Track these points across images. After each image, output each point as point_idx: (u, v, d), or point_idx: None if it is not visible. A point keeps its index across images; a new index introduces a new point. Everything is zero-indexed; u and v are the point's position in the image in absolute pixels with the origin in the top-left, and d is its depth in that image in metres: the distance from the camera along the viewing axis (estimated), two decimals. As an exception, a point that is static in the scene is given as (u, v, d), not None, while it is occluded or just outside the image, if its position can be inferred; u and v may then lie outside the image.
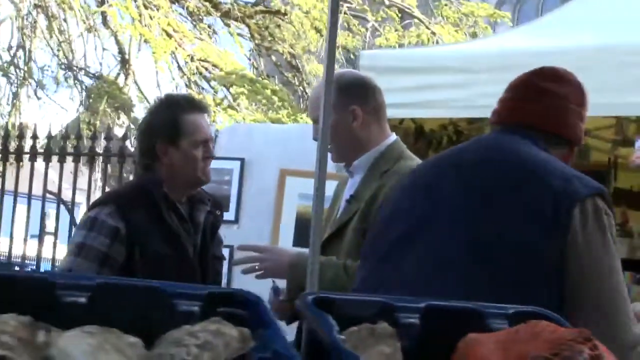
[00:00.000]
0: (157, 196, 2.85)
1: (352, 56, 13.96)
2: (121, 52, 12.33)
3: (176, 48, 10.40)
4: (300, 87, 13.90)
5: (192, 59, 10.75)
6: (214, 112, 10.36)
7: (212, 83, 11.35)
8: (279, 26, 13.69)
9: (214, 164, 7.96)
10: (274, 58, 14.45)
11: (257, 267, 2.81)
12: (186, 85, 11.11)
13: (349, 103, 2.86)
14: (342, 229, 2.86)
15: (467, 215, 1.98)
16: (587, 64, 4.26)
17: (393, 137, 3.01)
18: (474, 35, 13.90)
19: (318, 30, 13.38)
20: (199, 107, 2.93)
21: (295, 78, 13.92)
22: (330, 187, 6.99)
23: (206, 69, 11.05)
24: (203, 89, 11.83)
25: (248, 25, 13.25)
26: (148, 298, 1.00)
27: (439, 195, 2.05)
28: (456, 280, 1.91)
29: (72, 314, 0.89)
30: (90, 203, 2.95)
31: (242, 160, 7.25)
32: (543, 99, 2.08)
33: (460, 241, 1.95)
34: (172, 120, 2.86)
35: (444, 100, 4.58)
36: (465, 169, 2.06)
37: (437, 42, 12.85)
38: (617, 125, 4.82)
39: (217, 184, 7.49)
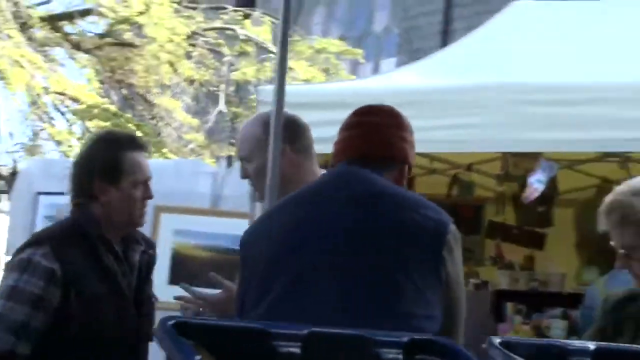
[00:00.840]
0: (94, 236, 2.74)
1: (208, 90, 13.92)
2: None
3: (30, 79, 9.99)
4: (154, 121, 13.69)
5: (47, 92, 10.35)
6: (71, 147, 10.03)
7: (68, 116, 10.98)
8: (127, 58, 13.45)
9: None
10: (124, 92, 14.17)
11: (202, 305, 2.77)
12: (40, 119, 10.68)
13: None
14: None
15: (345, 265, 2.06)
16: (474, 101, 4.48)
17: (321, 174, 3.03)
18: (326, 71, 14.17)
19: (171, 64, 13.25)
20: (139, 145, 2.84)
21: (147, 113, 13.69)
22: (241, 225, 6.88)
23: (62, 102, 10.68)
24: (52, 121, 11.43)
25: (98, 57, 12.94)
26: (355, 346, 0.95)
27: (314, 240, 2.11)
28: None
29: None
30: (22, 243, 2.78)
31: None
32: (362, 129, 2.29)
33: (337, 296, 2.02)
34: (113, 158, 2.77)
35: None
36: (339, 207, 2.15)
37: (294, 78, 13.00)
38: (503, 160, 5.04)
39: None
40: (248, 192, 4.64)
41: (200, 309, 2.83)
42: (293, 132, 2.94)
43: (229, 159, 11.37)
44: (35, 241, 2.75)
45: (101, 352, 2.69)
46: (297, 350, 1.08)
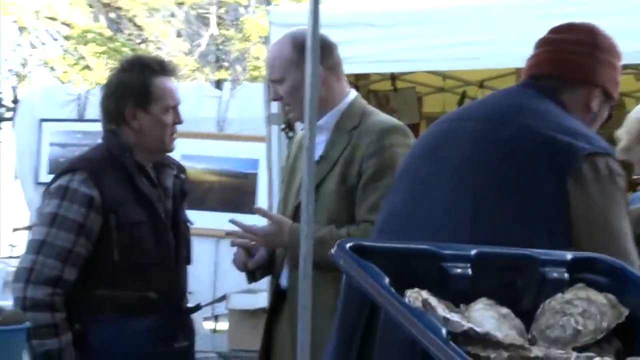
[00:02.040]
0: (128, 162, 2.73)
1: (197, 12, 13.74)
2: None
3: (20, 5, 9.80)
4: (143, 45, 13.52)
5: (37, 16, 10.18)
6: (65, 72, 9.90)
7: (61, 42, 10.81)
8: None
9: (86, 126, 7.73)
10: (112, 15, 13.97)
11: (253, 238, 2.77)
12: (32, 45, 10.52)
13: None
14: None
15: (468, 178, 2.00)
16: (487, 16, 4.43)
17: (353, 93, 3.00)
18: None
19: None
20: (169, 70, 2.81)
21: (135, 37, 13.52)
22: (248, 148, 6.89)
23: (54, 27, 10.51)
24: (45, 47, 11.27)
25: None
26: (522, 266, 0.95)
27: (443, 154, 2.07)
28: (464, 222, 1.92)
29: (458, 285, 0.83)
30: (58, 170, 2.77)
31: (117, 122, 7.05)
32: (550, 48, 2.13)
33: (461, 204, 1.96)
34: (143, 83, 2.74)
35: (354, 56, 4.59)
36: (471, 126, 2.08)
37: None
38: (517, 76, 5.00)
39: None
40: (265, 115, 4.63)
41: (252, 242, 2.82)
42: (322, 50, 2.89)
43: (234, 82, 11.25)
44: (72, 168, 2.72)
45: (142, 277, 2.71)
46: (467, 271, 1.08)
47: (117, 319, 2.67)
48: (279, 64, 2.87)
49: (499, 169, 1.95)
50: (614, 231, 1.90)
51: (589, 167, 1.90)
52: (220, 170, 6.60)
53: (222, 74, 13.59)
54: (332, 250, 1.14)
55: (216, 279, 6.62)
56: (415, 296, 1.00)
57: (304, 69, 2.79)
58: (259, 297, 5.38)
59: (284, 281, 2.91)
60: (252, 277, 3.03)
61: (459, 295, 1.07)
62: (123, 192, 2.71)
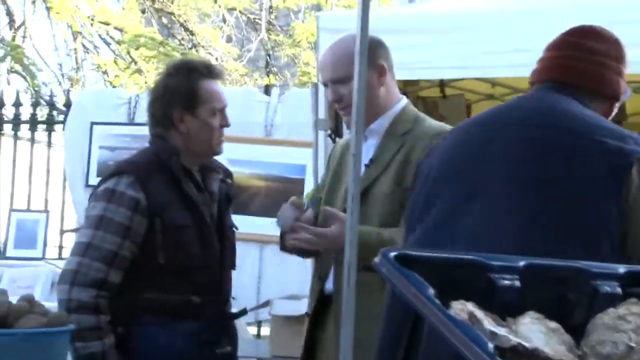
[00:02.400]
0: (175, 165, 2.73)
1: (248, 17, 13.78)
2: (8, 13, 11.70)
3: (75, 9, 9.94)
4: (194, 50, 13.61)
5: (92, 21, 10.31)
6: (117, 77, 10.00)
7: (113, 47, 10.94)
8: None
9: (136, 130, 7.77)
10: (164, 20, 14.08)
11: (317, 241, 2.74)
12: (85, 49, 10.65)
13: (376, 58, 2.78)
14: (363, 195, 2.79)
15: (521, 180, 1.97)
16: (536, 24, 4.35)
17: (404, 99, 2.97)
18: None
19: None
20: (216, 73, 2.81)
21: (187, 42, 13.61)
22: (295, 154, 6.87)
23: (107, 32, 10.63)
24: (97, 51, 11.41)
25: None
26: (571, 279, 0.91)
27: (490, 159, 2.03)
28: (513, 246, 1.82)
29: (505, 297, 0.80)
30: (106, 173, 2.78)
31: (166, 125, 7.09)
32: (583, 56, 2.11)
33: (515, 207, 1.93)
34: (190, 86, 2.74)
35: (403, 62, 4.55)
36: (515, 131, 2.04)
37: (333, 4, 12.80)
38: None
39: (140, 151, 7.32)
40: (313, 121, 4.61)
41: (318, 247, 2.78)
42: (384, 50, 2.87)
43: (282, 88, 11.27)
44: (119, 171, 2.74)
45: (187, 281, 2.70)
46: (515, 282, 1.04)
47: (161, 322, 2.67)
48: (345, 61, 2.80)
49: (554, 175, 1.92)
50: None
51: (638, 169, 1.90)
52: (267, 175, 6.59)
53: (271, 79, 13.63)
54: (376, 259, 1.11)
55: (260, 284, 6.61)
56: (461, 308, 0.97)
57: (369, 70, 2.76)
58: (302, 303, 5.35)
59: (329, 285, 2.88)
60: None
61: (506, 307, 1.03)
62: (169, 195, 2.71)
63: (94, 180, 7.32)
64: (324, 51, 2.96)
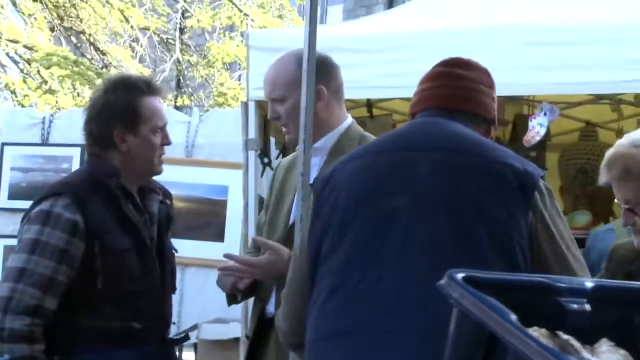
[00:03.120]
0: (115, 186, 2.61)
1: (160, 38, 13.60)
2: None
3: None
4: (105, 70, 13.35)
5: (-1, 39, 9.98)
6: (27, 96, 9.70)
7: (21, 65, 10.60)
8: (74, 5, 13.04)
9: (49, 151, 7.52)
10: (74, 40, 13.78)
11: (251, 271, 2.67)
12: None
13: (315, 82, 2.74)
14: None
15: (441, 200, 2.03)
16: (465, 44, 4.40)
17: (350, 118, 2.95)
18: (280, 17, 13.95)
19: (122, 12, 12.90)
20: (156, 89, 2.71)
21: (99, 61, 13.34)
22: (218, 175, 6.73)
23: (15, 50, 10.30)
24: (5, 69, 11.06)
25: (46, 4, 12.50)
26: (638, 301, 0.85)
27: (403, 184, 2.07)
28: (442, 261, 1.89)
29: (576, 322, 0.74)
30: (38, 195, 2.64)
31: (82, 146, 6.88)
32: (456, 83, 2.20)
33: (438, 228, 1.99)
34: (130, 104, 2.63)
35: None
36: (426, 156, 2.09)
37: (249, 24, 12.77)
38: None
39: (55, 172, 7.07)
40: (243, 140, 4.53)
41: (248, 275, 2.71)
42: (327, 71, 2.83)
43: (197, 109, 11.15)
44: (54, 192, 2.60)
45: (127, 306, 2.59)
46: (585, 306, 0.99)
47: (100, 350, 2.55)
48: (282, 82, 2.79)
49: (474, 197, 2.01)
50: (571, 241, 2.06)
51: (542, 187, 2.03)
52: (189, 196, 6.46)
53: (184, 100, 13.46)
54: (442, 281, 1.05)
55: (181, 308, 6.48)
56: (537, 335, 0.91)
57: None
58: (230, 327, 5.25)
59: (271, 308, 2.81)
60: (234, 299, 2.90)
61: (576, 333, 0.98)
62: (108, 217, 2.60)
63: (5, 202, 7.06)
64: (269, 67, 2.90)
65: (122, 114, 2.63)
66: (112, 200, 2.61)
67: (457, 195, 2.02)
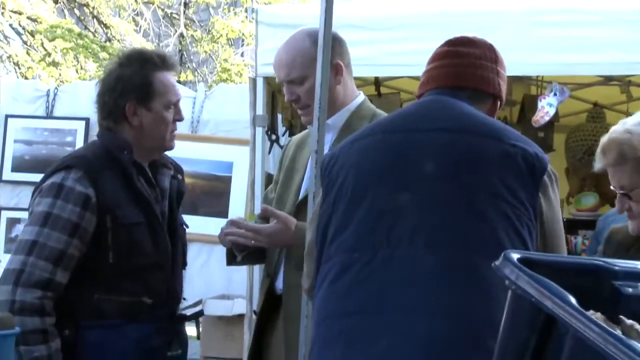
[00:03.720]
0: (127, 160, 2.60)
1: (165, 12, 13.54)
2: None
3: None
4: (109, 43, 13.29)
5: (3, 10, 9.90)
6: (30, 69, 9.66)
7: (24, 38, 10.54)
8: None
9: (54, 124, 7.52)
10: (77, 12, 13.71)
11: (256, 238, 2.66)
12: (-5, 40, 10.24)
13: (332, 56, 2.71)
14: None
15: (451, 182, 2.03)
16: (475, 23, 4.37)
17: (362, 95, 2.93)
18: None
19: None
20: (170, 64, 2.68)
21: (102, 35, 13.28)
22: (222, 151, 6.71)
23: (19, 22, 10.24)
24: (9, 41, 11.00)
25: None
26: None
27: (413, 165, 2.07)
28: (453, 242, 1.95)
29: (632, 306, 0.74)
30: (50, 168, 2.62)
31: (87, 120, 6.88)
32: (462, 61, 2.23)
33: (454, 203, 2.00)
34: (144, 79, 2.61)
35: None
36: (436, 137, 2.10)
37: (253, 0, 12.69)
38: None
39: (58, 145, 7.07)
40: (251, 117, 4.51)
41: (252, 242, 2.71)
42: (341, 46, 2.80)
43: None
44: (66, 165, 2.58)
45: (138, 281, 2.58)
46: None
47: (110, 324, 2.54)
48: (300, 61, 2.75)
49: (483, 179, 2.01)
50: (562, 227, 2.12)
51: (551, 172, 2.06)
52: (194, 172, 6.44)
53: (188, 76, 13.42)
54: (497, 262, 1.04)
55: (185, 283, 6.51)
56: (598, 317, 0.90)
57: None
58: (234, 303, 5.27)
59: (279, 284, 2.80)
60: (233, 259, 2.84)
61: (631, 316, 0.97)
62: (120, 191, 2.58)
63: (8, 175, 7.06)
64: (278, 50, 2.87)
65: (135, 87, 2.60)
66: (124, 175, 2.60)
67: (467, 178, 2.02)
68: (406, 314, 1.90)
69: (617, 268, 1.06)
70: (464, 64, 2.21)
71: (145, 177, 2.66)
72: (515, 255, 1.01)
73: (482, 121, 2.12)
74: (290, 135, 4.71)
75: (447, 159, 2.05)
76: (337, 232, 2.05)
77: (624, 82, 4.83)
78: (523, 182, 2.00)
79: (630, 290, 1.03)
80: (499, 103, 2.26)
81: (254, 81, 4.52)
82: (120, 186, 2.58)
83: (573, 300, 0.91)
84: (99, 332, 2.53)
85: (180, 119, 2.71)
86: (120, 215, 2.55)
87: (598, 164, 2.46)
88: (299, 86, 2.76)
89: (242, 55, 13.29)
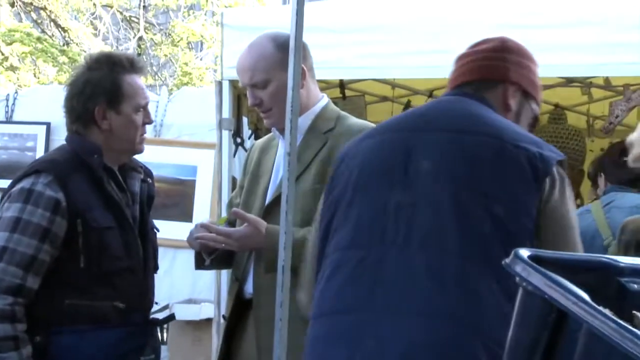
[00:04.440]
0: (97, 164, 2.58)
1: (126, 16, 13.45)
2: None
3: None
4: (67, 47, 13.17)
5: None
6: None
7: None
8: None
9: (14, 128, 7.40)
10: (34, 16, 13.56)
11: (226, 242, 2.66)
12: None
13: None
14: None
15: (450, 182, 2.01)
16: (438, 26, 4.39)
17: (325, 98, 2.94)
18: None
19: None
20: (139, 67, 2.67)
21: (60, 39, 13.15)
22: (198, 155, 6.61)
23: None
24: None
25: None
26: None
27: (416, 164, 2.06)
28: (444, 244, 1.93)
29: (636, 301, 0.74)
30: (19, 173, 2.59)
31: (48, 124, 6.80)
32: (472, 58, 2.26)
33: (446, 209, 1.98)
34: (113, 82, 2.60)
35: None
36: (439, 136, 2.09)
37: (213, 2, 12.66)
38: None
39: (19, 151, 6.98)
40: (217, 120, 4.49)
41: (222, 245, 2.70)
42: (305, 50, 2.81)
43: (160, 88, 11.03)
44: (35, 170, 2.56)
45: (110, 286, 2.56)
46: None
47: (82, 330, 2.51)
48: (262, 65, 2.75)
49: (481, 179, 1.99)
50: (576, 229, 2.05)
51: (557, 173, 2.01)
52: (157, 177, 6.36)
53: (148, 79, 13.35)
54: (508, 260, 1.04)
55: (149, 288, 6.46)
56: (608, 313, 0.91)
57: (284, 70, 2.69)
58: (203, 307, 5.24)
59: (249, 287, 2.80)
60: (202, 263, 2.84)
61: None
62: (90, 196, 2.56)
63: (-33, 181, 6.96)
64: (241, 54, 2.87)
65: (104, 90, 2.59)
66: (94, 179, 2.58)
67: (463, 179, 2.00)
68: (393, 315, 1.89)
69: (622, 265, 1.07)
70: (471, 61, 2.24)
71: (116, 181, 2.65)
72: (525, 253, 1.02)
73: (485, 121, 2.09)
74: (256, 138, 4.71)
75: (444, 158, 2.04)
76: (336, 230, 2.06)
77: (585, 84, 4.89)
78: (524, 183, 1.96)
79: (636, 286, 1.04)
80: (513, 89, 2.20)
81: (219, 84, 4.51)
82: (91, 190, 2.56)
83: (586, 296, 0.92)
84: (71, 338, 2.51)
85: (150, 122, 2.71)
86: (91, 220, 2.53)
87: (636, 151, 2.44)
88: (262, 90, 2.76)
89: (201, 59, 13.25)
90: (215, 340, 4.32)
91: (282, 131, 2.86)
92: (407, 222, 1.97)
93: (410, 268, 1.92)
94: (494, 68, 2.21)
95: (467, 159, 2.02)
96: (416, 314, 1.87)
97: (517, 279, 1.03)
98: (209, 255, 2.78)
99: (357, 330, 1.92)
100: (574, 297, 0.91)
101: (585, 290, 0.97)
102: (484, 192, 1.96)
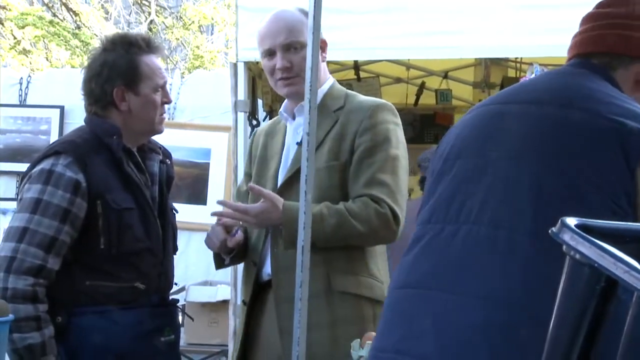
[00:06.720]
0: (116, 145, 2.58)
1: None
2: None
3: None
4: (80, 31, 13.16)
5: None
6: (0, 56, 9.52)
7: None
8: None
9: (28, 112, 7.42)
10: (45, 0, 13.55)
11: (244, 218, 2.65)
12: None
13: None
14: (297, 172, 2.71)
15: (532, 154, 1.88)
16: (450, 6, 4.37)
17: (331, 78, 2.93)
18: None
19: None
20: (155, 47, 2.66)
21: (71, 22, 13.14)
22: (212, 138, 6.63)
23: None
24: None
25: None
26: None
27: (501, 135, 1.95)
28: (517, 224, 1.83)
29: None
30: (39, 154, 2.60)
31: (61, 108, 6.82)
32: (603, 24, 2.01)
33: (529, 179, 1.86)
34: (130, 62, 2.59)
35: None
36: (527, 109, 1.96)
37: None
38: (480, 67, 4.97)
39: (33, 134, 7.00)
40: (232, 102, 4.49)
41: (241, 222, 2.70)
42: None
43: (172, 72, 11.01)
44: (55, 151, 2.56)
45: (130, 267, 2.57)
46: None
47: (103, 310, 2.52)
48: (300, 28, 2.71)
49: (565, 157, 1.84)
50: None
51: None
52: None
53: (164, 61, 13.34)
54: (554, 229, 1.03)
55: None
56: None
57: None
58: (219, 289, 5.25)
59: (268, 269, 2.80)
60: (222, 262, 2.87)
61: None
62: (110, 177, 2.56)
63: (-19, 164, 6.98)
64: (268, 20, 2.82)
65: (121, 72, 2.58)
66: (114, 160, 2.58)
67: (543, 156, 1.85)
68: (450, 295, 1.82)
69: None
70: (603, 26, 1.97)
71: (135, 162, 2.65)
72: (572, 221, 1.00)
73: (582, 92, 1.89)
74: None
75: (526, 132, 1.90)
76: (424, 203, 2.01)
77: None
78: (615, 161, 1.77)
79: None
80: None
81: (234, 66, 4.50)
82: (110, 171, 2.56)
83: (638, 264, 0.91)
84: (92, 319, 2.52)
85: (169, 102, 2.70)
86: (111, 201, 2.54)
87: None
88: (295, 53, 2.73)
89: (212, 42, 13.23)
90: (232, 322, 4.33)
91: (291, 112, 2.85)
92: (482, 199, 1.87)
93: (475, 247, 1.83)
94: (628, 42, 1.96)
95: (551, 134, 1.86)
96: (473, 296, 1.79)
97: (565, 247, 1.01)
98: (227, 254, 2.79)
99: (417, 308, 1.87)
100: (625, 265, 0.90)
101: (635, 260, 0.96)
102: (567, 172, 1.81)
